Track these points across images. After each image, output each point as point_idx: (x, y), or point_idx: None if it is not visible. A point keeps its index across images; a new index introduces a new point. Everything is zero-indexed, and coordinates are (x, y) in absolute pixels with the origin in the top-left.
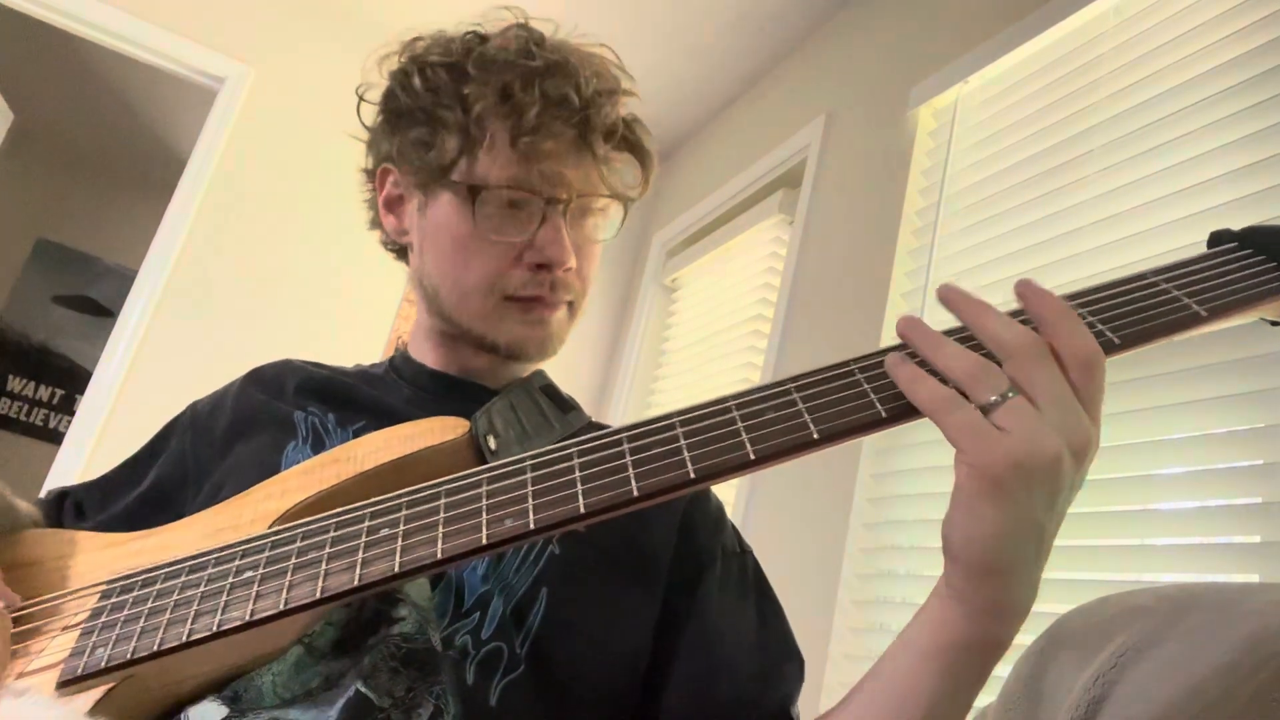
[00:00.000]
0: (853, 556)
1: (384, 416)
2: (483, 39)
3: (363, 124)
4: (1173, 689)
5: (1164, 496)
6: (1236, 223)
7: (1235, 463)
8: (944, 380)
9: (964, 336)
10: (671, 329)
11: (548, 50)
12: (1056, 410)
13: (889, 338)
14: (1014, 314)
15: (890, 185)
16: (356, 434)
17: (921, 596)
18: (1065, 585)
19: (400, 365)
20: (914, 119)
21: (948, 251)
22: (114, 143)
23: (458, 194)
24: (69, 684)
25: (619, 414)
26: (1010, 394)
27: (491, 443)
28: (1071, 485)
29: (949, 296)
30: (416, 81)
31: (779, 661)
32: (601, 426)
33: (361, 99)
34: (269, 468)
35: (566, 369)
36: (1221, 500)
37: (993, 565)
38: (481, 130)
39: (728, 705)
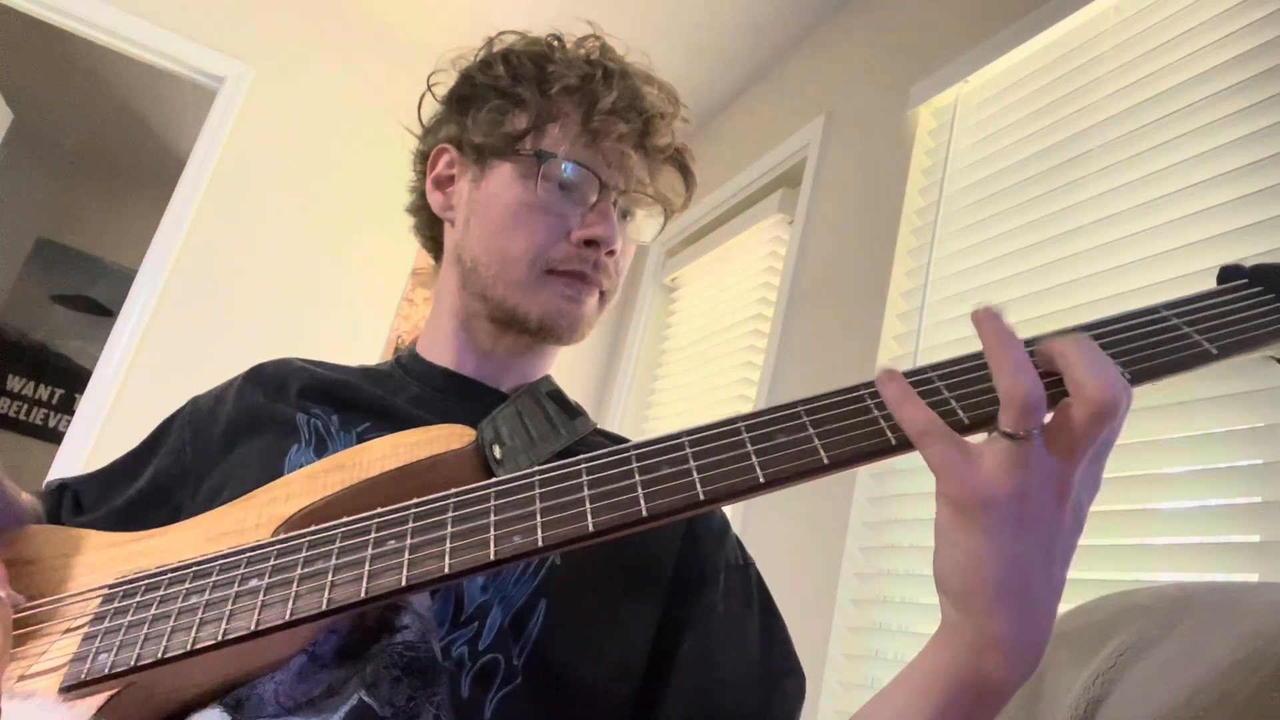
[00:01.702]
0: (852, 556)
1: (388, 417)
2: (563, 42)
3: (420, 119)
4: (1172, 688)
5: (1164, 496)
6: (1236, 221)
7: (1235, 462)
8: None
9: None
10: (671, 329)
11: (623, 61)
12: (1069, 460)
13: (888, 338)
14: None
15: (890, 185)
16: (360, 436)
17: (921, 596)
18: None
19: (408, 363)
20: (914, 119)
21: (947, 251)
22: (114, 143)
23: (519, 164)
24: (72, 689)
25: (619, 413)
26: (1035, 432)
27: (497, 452)
28: (1069, 526)
29: (1049, 342)
30: (500, 68)
31: (781, 677)
32: (607, 433)
33: (429, 89)
34: (271, 470)
35: (566, 368)
36: (1221, 500)
37: (971, 595)
38: (555, 108)
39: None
